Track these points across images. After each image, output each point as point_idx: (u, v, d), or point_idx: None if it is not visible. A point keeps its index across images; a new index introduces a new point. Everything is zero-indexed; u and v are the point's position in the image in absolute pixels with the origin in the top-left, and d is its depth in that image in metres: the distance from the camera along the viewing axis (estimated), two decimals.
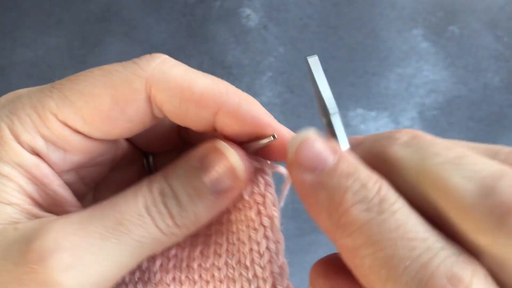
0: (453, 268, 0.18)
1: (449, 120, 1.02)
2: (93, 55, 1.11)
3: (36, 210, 0.26)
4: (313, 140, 0.23)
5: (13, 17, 1.16)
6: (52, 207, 0.27)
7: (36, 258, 0.23)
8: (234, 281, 0.30)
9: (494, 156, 0.22)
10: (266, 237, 0.29)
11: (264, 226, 0.29)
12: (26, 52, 1.13)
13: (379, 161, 0.22)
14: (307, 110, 1.03)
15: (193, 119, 0.27)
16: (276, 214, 0.29)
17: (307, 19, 1.13)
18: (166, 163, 0.35)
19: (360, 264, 0.21)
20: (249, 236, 0.29)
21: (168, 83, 0.26)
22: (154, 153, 0.36)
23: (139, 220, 0.25)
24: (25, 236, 0.24)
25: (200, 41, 1.09)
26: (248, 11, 1.15)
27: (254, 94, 1.08)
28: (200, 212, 0.26)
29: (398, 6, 1.12)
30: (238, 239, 0.30)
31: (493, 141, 0.98)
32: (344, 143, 0.24)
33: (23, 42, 1.14)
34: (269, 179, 0.30)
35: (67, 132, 0.26)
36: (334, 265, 0.25)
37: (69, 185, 0.29)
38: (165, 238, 0.26)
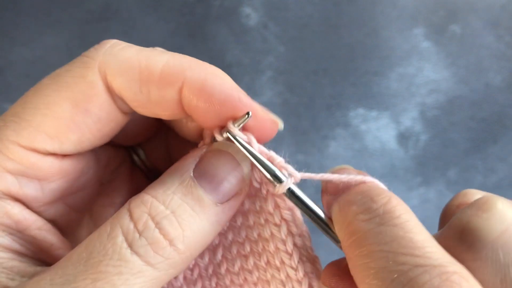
0: (440, 286, 0.18)
1: (450, 120, 1.02)
2: None
3: (19, 265, 0.22)
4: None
5: (11, 16, 1.16)
6: (38, 253, 0.24)
7: None
8: (268, 283, 0.26)
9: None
10: (290, 233, 0.25)
11: (286, 221, 0.25)
12: (24, 52, 1.13)
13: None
14: (307, 110, 1.03)
15: (157, 103, 0.23)
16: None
17: (307, 18, 1.12)
18: (158, 151, 0.31)
19: (356, 273, 0.21)
20: (271, 233, 0.25)
21: (122, 66, 0.23)
22: (141, 143, 0.31)
23: (123, 266, 0.19)
24: None
25: (199, 41, 1.08)
26: (248, 10, 1.14)
27: (254, 94, 1.08)
28: (204, 229, 0.22)
29: (399, 5, 1.12)
30: (259, 235, 0.26)
31: (494, 141, 0.97)
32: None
33: (21, 41, 1.14)
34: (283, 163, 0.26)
35: (35, 158, 0.22)
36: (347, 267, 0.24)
37: (58, 218, 0.25)
38: (162, 274, 0.20)
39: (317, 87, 1.05)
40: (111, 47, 0.24)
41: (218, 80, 0.24)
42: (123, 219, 0.20)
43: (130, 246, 0.20)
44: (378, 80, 1.05)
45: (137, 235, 0.20)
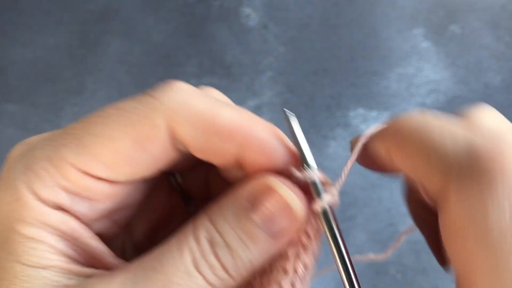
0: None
1: None
2: (92, 55, 1.11)
3: (75, 267, 0.24)
4: None
5: (11, 17, 1.16)
6: (90, 260, 0.25)
7: None
8: None
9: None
10: (292, 285, 0.26)
11: (296, 272, 0.26)
12: (24, 52, 1.13)
13: None
14: (307, 110, 1.03)
15: (216, 153, 0.25)
16: (311, 266, 0.26)
17: (307, 18, 1.13)
18: (195, 177, 0.33)
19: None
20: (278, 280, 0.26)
21: (190, 116, 0.24)
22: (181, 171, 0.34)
23: (189, 280, 0.23)
24: None
25: (199, 41, 1.08)
26: (248, 10, 1.14)
27: (254, 94, 1.08)
28: (255, 259, 0.24)
29: (398, 5, 1.12)
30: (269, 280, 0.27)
31: None
32: (319, 195, 0.26)
33: (21, 41, 1.14)
34: (319, 223, 0.27)
35: (89, 182, 0.24)
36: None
37: (102, 231, 0.27)
38: None
39: (317, 87, 1.05)
40: (180, 93, 0.25)
41: (279, 141, 0.26)
42: (190, 242, 0.24)
43: (196, 266, 0.23)
44: (378, 80, 1.05)
45: (200, 257, 0.23)
